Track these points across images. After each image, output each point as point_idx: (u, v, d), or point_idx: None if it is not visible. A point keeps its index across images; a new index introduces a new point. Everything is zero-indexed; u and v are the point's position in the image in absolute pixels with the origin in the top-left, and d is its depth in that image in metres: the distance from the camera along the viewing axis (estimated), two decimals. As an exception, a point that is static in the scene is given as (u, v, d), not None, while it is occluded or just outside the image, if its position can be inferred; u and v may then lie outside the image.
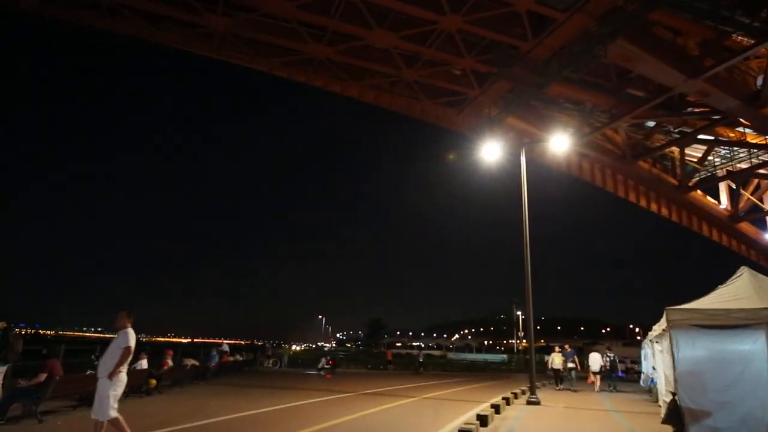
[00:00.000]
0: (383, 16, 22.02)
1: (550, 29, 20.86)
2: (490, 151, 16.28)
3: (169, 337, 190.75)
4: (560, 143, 16.98)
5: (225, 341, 51.16)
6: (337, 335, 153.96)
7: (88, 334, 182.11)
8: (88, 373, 11.42)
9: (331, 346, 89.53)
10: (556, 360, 20.27)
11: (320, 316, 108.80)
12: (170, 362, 14.57)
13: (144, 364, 13.15)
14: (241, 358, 26.12)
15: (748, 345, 7.94)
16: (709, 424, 7.94)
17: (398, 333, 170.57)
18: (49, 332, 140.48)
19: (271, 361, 30.39)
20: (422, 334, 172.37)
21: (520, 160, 15.86)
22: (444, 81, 26.94)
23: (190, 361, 18.02)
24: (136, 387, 12.59)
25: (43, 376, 8.88)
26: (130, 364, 13.75)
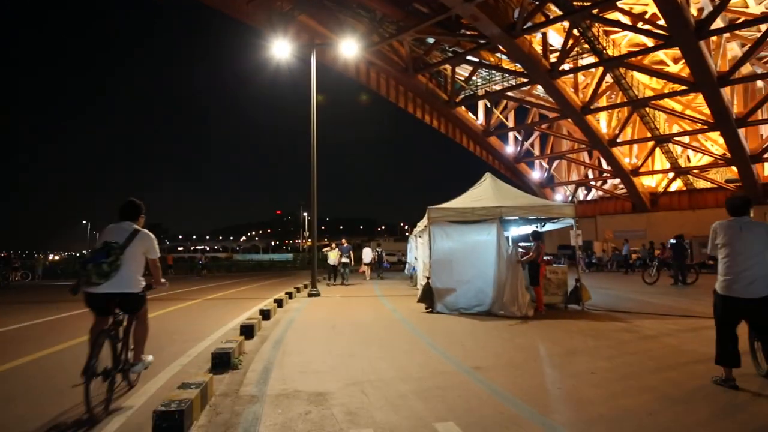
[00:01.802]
0: None
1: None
2: (281, 49, 15.57)
3: None
4: (350, 48, 17.13)
5: (-50, 253, 41.53)
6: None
7: None
8: None
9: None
10: (330, 256, 20.46)
11: (84, 221, 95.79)
12: None
13: None
14: (-25, 273, 21.72)
15: (486, 236, 9.78)
16: (451, 299, 9.76)
17: (181, 237, 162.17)
18: None
19: (20, 274, 26.08)
20: (207, 237, 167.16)
21: (311, 62, 15.61)
22: (231, -39, 24.22)
23: None
24: None
25: None
26: None
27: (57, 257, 55.64)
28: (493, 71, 34.20)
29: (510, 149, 41.76)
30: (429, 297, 9.95)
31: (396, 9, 27.28)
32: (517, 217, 10.44)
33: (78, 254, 74.93)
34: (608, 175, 39.33)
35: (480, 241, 9.83)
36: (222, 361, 5.45)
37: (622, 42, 31.31)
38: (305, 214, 66.96)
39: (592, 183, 43.21)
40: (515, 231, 14.32)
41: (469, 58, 32.00)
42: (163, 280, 4.77)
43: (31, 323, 9.61)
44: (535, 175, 43.68)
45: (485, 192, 10.78)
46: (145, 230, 4.44)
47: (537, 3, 25.09)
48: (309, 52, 16.15)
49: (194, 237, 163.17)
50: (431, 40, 31.67)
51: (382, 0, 26.51)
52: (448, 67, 33.84)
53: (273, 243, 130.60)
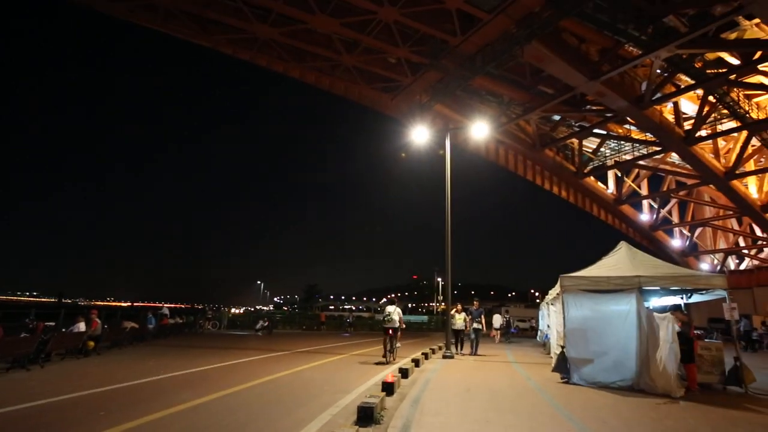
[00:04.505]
0: (326, 1, 21.33)
1: (476, 27, 21.21)
2: (420, 135, 16.43)
3: (108, 301, 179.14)
4: (481, 130, 17.39)
5: (165, 305, 48.82)
6: (275, 299, 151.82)
7: (21, 298, 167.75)
8: (22, 336, 10.56)
9: (269, 309, 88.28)
10: (457, 320, 14.95)
11: (258, 282, 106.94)
12: (98, 320, 13.40)
13: (81, 326, 12.30)
14: (180, 321, 25.10)
15: (623, 306, 8.74)
16: (588, 371, 8.73)
17: (332, 297, 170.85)
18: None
19: (210, 324, 29.51)
20: (353, 298, 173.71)
21: (445, 144, 16.14)
22: (380, 68, 26.76)
23: (129, 324, 17.06)
24: (74, 349, 11.81)
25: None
26: (67, 327, 12.78)
27: (237, 310, 62.18)
28: (622, 142, 31.94)
29: (645, 217, 37.68)
30: (564, 367, 9.03)
31: (522, 92, 27.39)
32: (657, 288, 9.21)
33: (252, 309, 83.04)
34: (765, 242, 33.14)
35: (617, 311, 8.80)
36: (366, 415, 5.47)
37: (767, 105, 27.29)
38: (439, 279, 66.65)
39: (745, 251, 36.63)
40: (656, 302, 12.57)
41: (596, 131, 30.44)
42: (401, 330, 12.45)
43: (262, 357, 10.76)
44: (676, 243, 38.49)
45: (621, 261, 9.76)
46: (397, 307, 12.17)
47: (666, 75, 23.32)
48: (443, 136, 16.76)
49: (342, 297, 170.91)
50: (557, 117, 30.89)
51: (509, 86, 26.87)
52: (575, 140, 32.44)
53: (410, 305, 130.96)
